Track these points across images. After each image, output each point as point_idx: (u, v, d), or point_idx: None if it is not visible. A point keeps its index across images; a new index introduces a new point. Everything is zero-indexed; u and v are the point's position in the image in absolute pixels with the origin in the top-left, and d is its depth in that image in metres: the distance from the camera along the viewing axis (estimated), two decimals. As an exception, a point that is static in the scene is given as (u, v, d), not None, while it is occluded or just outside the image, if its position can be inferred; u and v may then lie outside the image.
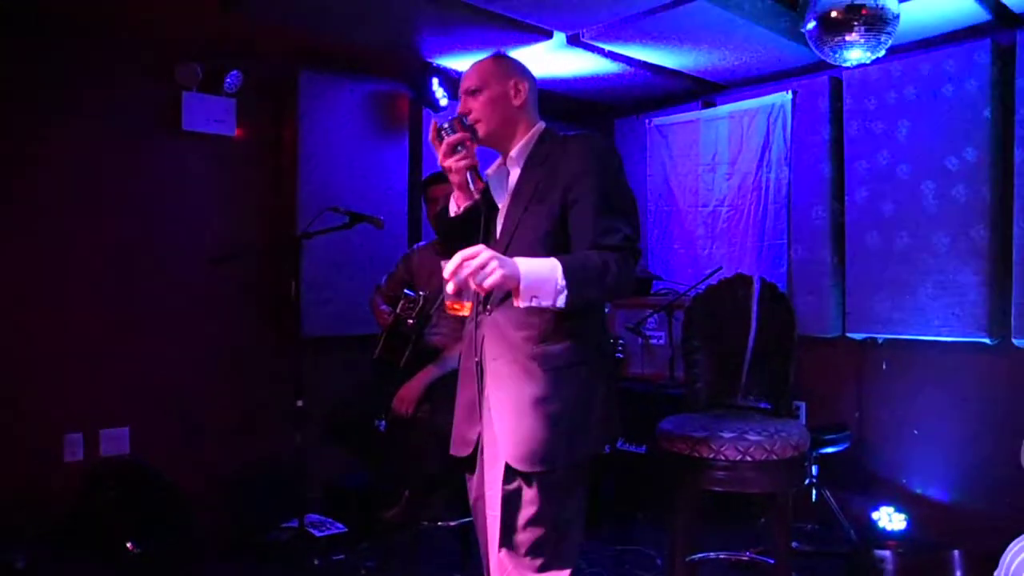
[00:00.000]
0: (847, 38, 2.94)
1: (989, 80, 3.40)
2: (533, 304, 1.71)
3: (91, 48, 3.40)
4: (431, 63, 3.93)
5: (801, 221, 4.01)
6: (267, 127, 3.93)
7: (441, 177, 3.38)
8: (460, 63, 3.93)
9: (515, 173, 2.04)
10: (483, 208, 2.03)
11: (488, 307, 1.96)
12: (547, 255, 1.77)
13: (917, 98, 3.61)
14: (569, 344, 1.89)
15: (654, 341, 4.16)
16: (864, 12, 2.86)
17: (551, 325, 1.88)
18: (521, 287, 1.68)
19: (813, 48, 3.11)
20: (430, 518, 3.21)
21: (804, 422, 4.10)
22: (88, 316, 3.41)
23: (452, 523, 3.18)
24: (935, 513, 3.68)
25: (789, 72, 4.04)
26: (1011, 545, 1.63)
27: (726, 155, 4.26)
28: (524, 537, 1.88)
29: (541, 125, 2.09)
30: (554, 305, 1.71)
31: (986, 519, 3.42)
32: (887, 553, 3.29)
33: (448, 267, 1.66)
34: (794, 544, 3.66)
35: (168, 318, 3.62)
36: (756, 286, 3.02)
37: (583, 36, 3.55)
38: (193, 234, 3.69)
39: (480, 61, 2.12)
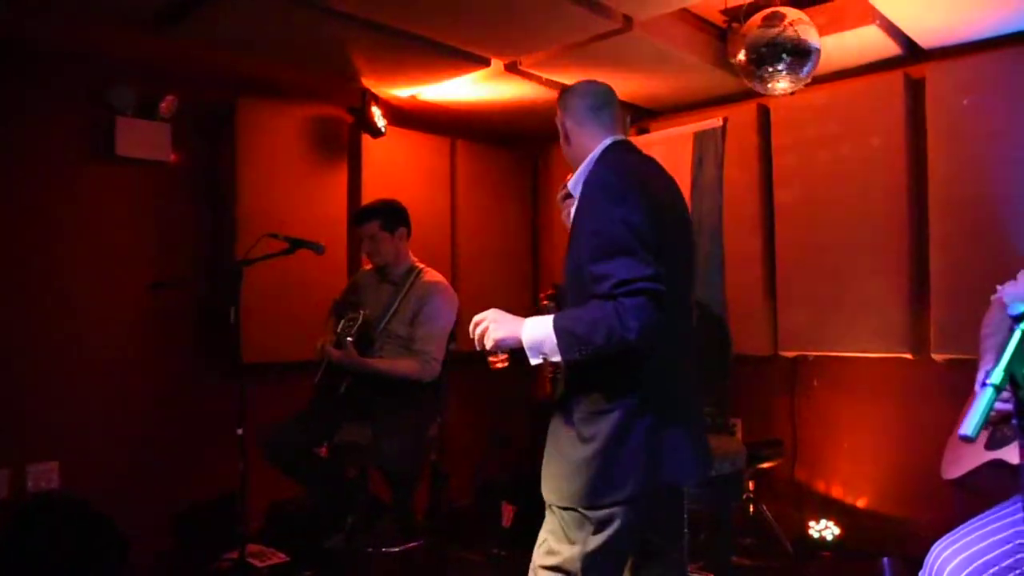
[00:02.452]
0: (773, 69, 3.08)
1: (904, 108, 3.59)
2: (545, 360, 1.80)
3: (19, 70, 3.33)
4: (370, 90, 3.95)
5: (733, 243, 4.13)
6: (204, 153, 3.89)
7: (357, 218, 3.41)
8: (400, 89, 3.97)
9: (572, 208, 2.00)
10: None
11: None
12: (579, 295, 1.82)
13: (840, 125, 3.79)
14: (595, 394, 1.83)
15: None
16: (788, 45, 3.00)
17: (580, 373, 1.86)
18: (525, 345, 1.80)
19: (742, 76, 3.25)
20: (374, 545, 3.19)
21: (740, 438, 4.21)
22: (14, 345, 3.30)
23: (395, 549, 3.17)
24: (866, 522, 3.82)
25: (720, 100, 4.19)
26: (932, 548, 1.72)
27: (661, 180, 4.38)
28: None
29: (605, 143, 1.99)
30: (561, 359, 1.78)
31: (913, 525, 3.57)
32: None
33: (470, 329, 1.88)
34: (733, 557, 3.75)
35: (101, 347, 3.53)
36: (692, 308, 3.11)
37: (520, 64, 3.63)
38: (128, 261, 3.62)
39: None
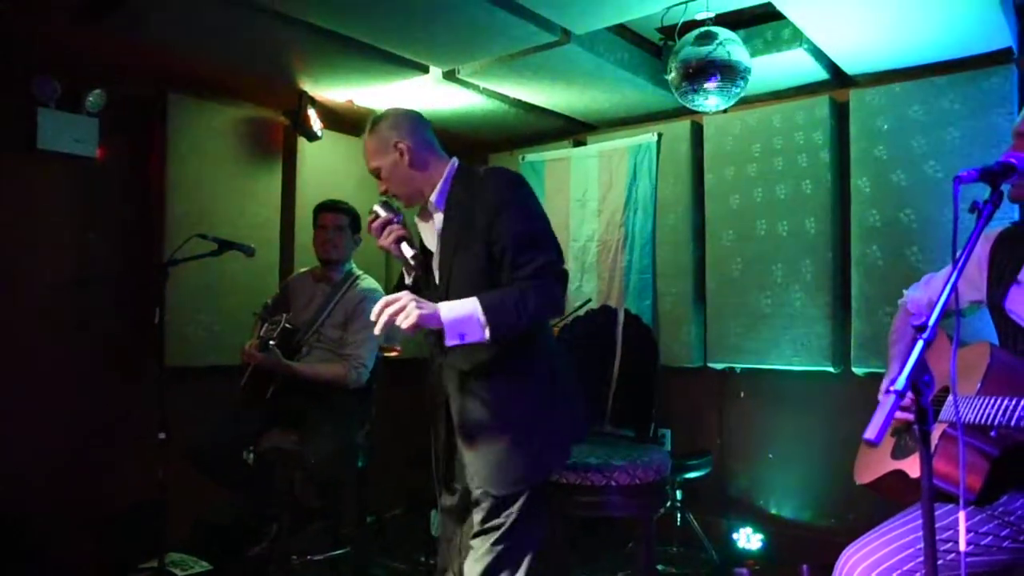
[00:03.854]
0: (704, 86, 3.16)
1: (829, 129, 3.72)
2: (463, 342, 1.88)
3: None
4: (307, 92, 3.90)
5: (666, 255, 4.22)
6: (133, 149, 3.78)
7: (330, 207, 3.38)
8: (337, 93, 3.94)
9: (439, 218, 2.17)
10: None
11: (444, 352, 2.06)
12: (479, 291, 1.94)
13: (769, 144, 3.90)
14: (515, 373, 2.05)
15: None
16: (718, 64, 3.09)
17: (496, 357, 2.02)
18: (445, 327, 1.86)
19: (675, 94, 3.32)
20: (299, 552, 3.13)
21: (670, 448, 4.28)
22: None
23: (319, 557, 3.12)
24: (789, 531, 3.91)
25: (655, 115, 4.28)
26: (841, 554, 1.77)
27: (596, 192, 4.44)
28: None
29: (453, 164, 2.23)
30: (483, 339, 1.88)
31: (833, 533, 3.67)
32: (744, 571, 3.47)
33: (373, 312, 1.85)
34: (659, 567, 3.80)
35: (19, 347, 3.38)
36: (620, 317, 3.15)
37: (458, 72, 3.63)
38: (48, 259, 3.49)
39: (364, 141, 2.26)
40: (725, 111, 3.90)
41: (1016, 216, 2.83)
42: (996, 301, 1.80)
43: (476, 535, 2.04)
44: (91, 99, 3.51)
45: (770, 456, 4.05)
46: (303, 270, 3.59)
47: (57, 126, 3.46)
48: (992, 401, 1.49)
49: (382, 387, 3.47)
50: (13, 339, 3.37)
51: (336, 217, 3.33)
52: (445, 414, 2.19)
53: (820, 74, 3.64)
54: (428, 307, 1.87)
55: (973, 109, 3.33)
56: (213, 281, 3.71)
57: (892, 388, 1.25)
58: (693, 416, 4.28)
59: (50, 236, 3.52)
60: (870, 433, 1.21)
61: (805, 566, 3.21)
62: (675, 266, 4.18)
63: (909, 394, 1.28)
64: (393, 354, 1.97)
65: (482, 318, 1.87)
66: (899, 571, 1.63)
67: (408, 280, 2.21)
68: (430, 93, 3.89)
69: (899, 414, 1.76)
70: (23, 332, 3.41)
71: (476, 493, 2.05)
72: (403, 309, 1.84)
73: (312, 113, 3.97)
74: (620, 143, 4.39)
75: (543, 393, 2.09)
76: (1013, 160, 1.58)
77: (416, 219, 2.27)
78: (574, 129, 4.58)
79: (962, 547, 1.34)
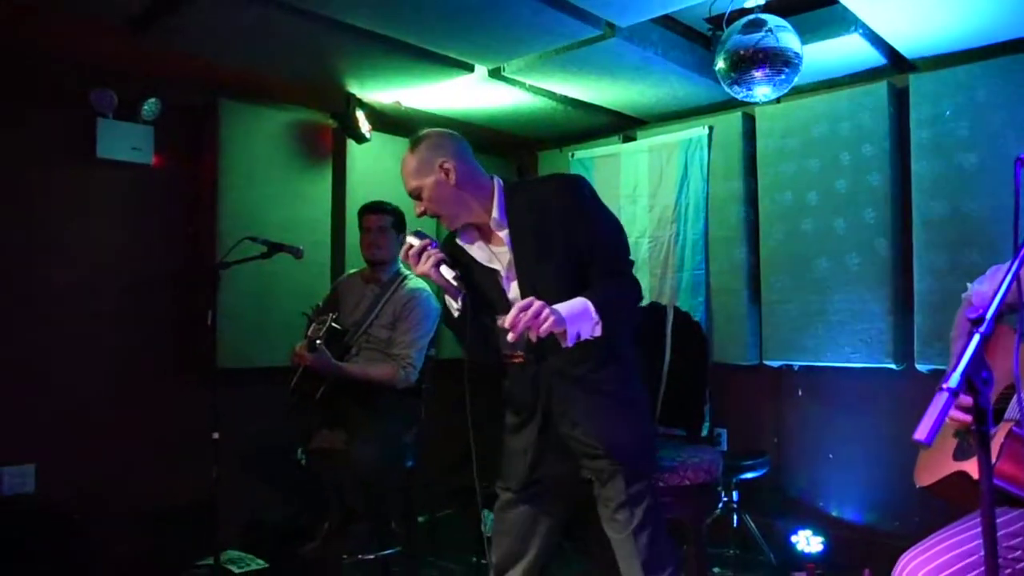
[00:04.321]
0: (754, 76, 3.07)
1: (888, 117, 3.58)
2: (579, 340, 1.94)
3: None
4: (354, 95, 3.94)
5: (718, 252, 4.12)
6: (186, 156, 3.87)
7: (373, 208, 3.40)
8: (384, 95, 3.96)
9: (504, 234, 2.15)
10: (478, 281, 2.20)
11: (542, 355, 2.12)
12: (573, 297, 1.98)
13: (825, 134, 3.78)
14: (620, 360, 2.17)
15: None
16: (769, 52, 2.99)
17: (603, 352, 2.09)
18: (568, 330, 1.90)
19: (723, 85, 3.24)
20: (349, 552, 3.15)
21: (725, 448, 4.18)
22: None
23: (370, 556, 3.13)
24: (851, 534, 3.78)
25: (706, 108, 4.17)
26: (900, 559, 1.69)
27: (646, 188, 4.37)
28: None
29: (498, 181, 2.21)
30: (592, 336, 1.96)
31: (897, 538, 3.52)
32: (803, 575, 3.37)
33: (507, 320, 1.85)
34: (715, 570, 3.72)
35: (78, 349, 3.50)
36: (670, 315, 3.09)
37: (504, 70, 3.61)
38: (108, 263, 3.60)
39: (403, 161, 2.20)
40: (778, 101, 3.80)
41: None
42: (1065, 293, 1.68)
43: (620, 507, 2.09)
44: (146, 108, 3.60)
45: (830, 456, 3.92)
46: (352, 271, 3.62)
47: (115, 135, 3.56)
48: (1059, 399, 1.40)
49: (436, 387, 3.47)
50: (71, 341, 3.49)
51: (379, 218, 3.34)
52: (540, 416, 2.20)
53: (877, 59, 3.50)
54: (556, 311, 1.89)
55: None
56: (264, 283, 3.77)
57: (945, 386, 1.17)
58: (750, 415, 4.18)
59: (109, 240, 3.62)
60: (920, 434, 1.14)
61: (867, 571, 3.09)
62: (729, 262, 4.08)
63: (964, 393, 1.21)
64: (517, 360, 1.97)
65: (595, 316, 1.94)
66: (960, 579, 1.55)
67: (456, 305, 2.17)
68: (476, 92, 3.88)
69: (958, 414, 1.67)
70: (81, 334, 3.52)
71: (608, 472, 2.11)
72: (539, 314, 1.85)
73: (360, 115, 4.00)
74: (670, 138, 4.30)
75: (641, 376, 2.26)
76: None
77: (460, 241, 2.24)
78: (623, 124, 4.51)
79: (1028, 555, 1.26)
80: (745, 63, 3.03)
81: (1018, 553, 1.51)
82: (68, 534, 3.22)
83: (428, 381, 3.37)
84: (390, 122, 4.31)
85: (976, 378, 1.20)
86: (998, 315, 1.87)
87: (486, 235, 2.21)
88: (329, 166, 4.24)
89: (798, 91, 3.69)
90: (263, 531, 3.72)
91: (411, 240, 2.15)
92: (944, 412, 1.15)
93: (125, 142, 3.62)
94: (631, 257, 2.21)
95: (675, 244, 4.25)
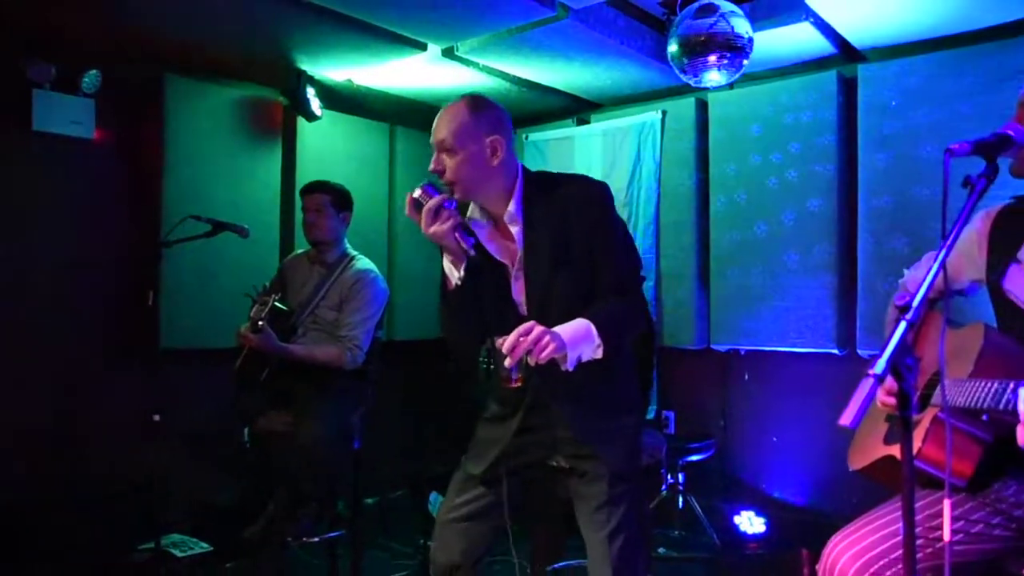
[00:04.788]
0: (706, 62, 3.08)
1: (836, 107, 3.63)
2: (578, 364, 1.86)
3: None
4: (305, 72, 3.86)
5: (668, 237, 4.15)
6: (130, 131, 3.75)
7: (310, 188, 3.35)
8: (336, 72, 3.89)
9: (516, 231, 2.01)
10: (483, 264, 2.01)
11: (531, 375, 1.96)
12: (581, 312, 1.90)
13: (775, 122, 3.81)
14: (613, 364, 2.03)
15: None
16: (719, 38, 3.01)
17: (601, 368, 1.96)
18: (568, 354, 1.82)
19: (675, 70, 3.25)
20: (295, 534, 3.12)
21: (673, 431, 4.23)
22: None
23: (316, 539, 3.11)
24: (792, 515, 3.87)
25: (660, 92, 4.19)
26: (829, 541, 1.73)
27: (599, 171, 4.37)
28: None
29: (519, 169, 2.03)
30: (592, 358, 1.88)
31: (835, 518, 3.60)
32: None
33: (506, 346, 1.75)
34: (660, 550, 3.77)
35: (14, 330, 3.38)
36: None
37: (457, 50, 3.58)
38: (44, 241, 3.48)
39: (453, 110, 1.96)
40: (731, 87, 3.82)
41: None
42: (994, 280, 1.73)
43: (599, 508, 2.03)
44: (86, 80, 3.48)
45: (774, 439, 4.00)
46: (299, 252, 3.57)
47: (53, 108, 3.43)
48: (983, 384, 1.43)
49: (383, 369, 3.45)
50: (8, 321, 3.37)
51: (314, 198, 3.29)
52: (524, 411, 2.09)
53: (827, 48, 3.55)
54: (556, 336, 1.80)
55: (987, 84, 3.22)
56: (210, 263, 3.69)
57: (871, 371, 1.19)
58: (697, 398, 4.24)
59: (46, 217, 3.51)
60: (845, 418, 1.16)
61: (805, 551, 3.15)
62: (678, 247, 4.12)
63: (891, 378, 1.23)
64: (517, 386, 1.84)
65: (597, 339, 1.87)
66: (885, 559, 1.58)
67: (459, 274, 1.98)
68: (429, 71, 3.84)
69: (887, 400, 1.71)
70: (18, 313, 3.40)
71: (592, 474, 2.05)
72: (539, 341, 1.75)
73: (311, 93, 3.93)
74: (623, 122, 4.32)
75: (633, 375, 2.21)
76: (1010, 132, 1.51)
77: (472, 225, 2.06)
78: (577, 107, 4.50)
79: (946, 536, 1.30)
80: (697, 48, 3.04)
81: (938, 533, 1.56)
82: (7, 519, 3.14)
83: (375, 363, 3.34)
84: (342, 100, 4.24)
85: (901, 364, 1.23)
86: (931, 302, 1.92)
87: (497, 224, 2.07)
88: (279, 144, 4.15)
89: (751, 78, 3.72)
90: (207, 514, 3.67)
91: (420, 195, 1.92)
92: (869, 397, 1.17)
93: (63, 115, 3.49)
94: (643, 273, 2.21)
95: (629, 230, 4.26)
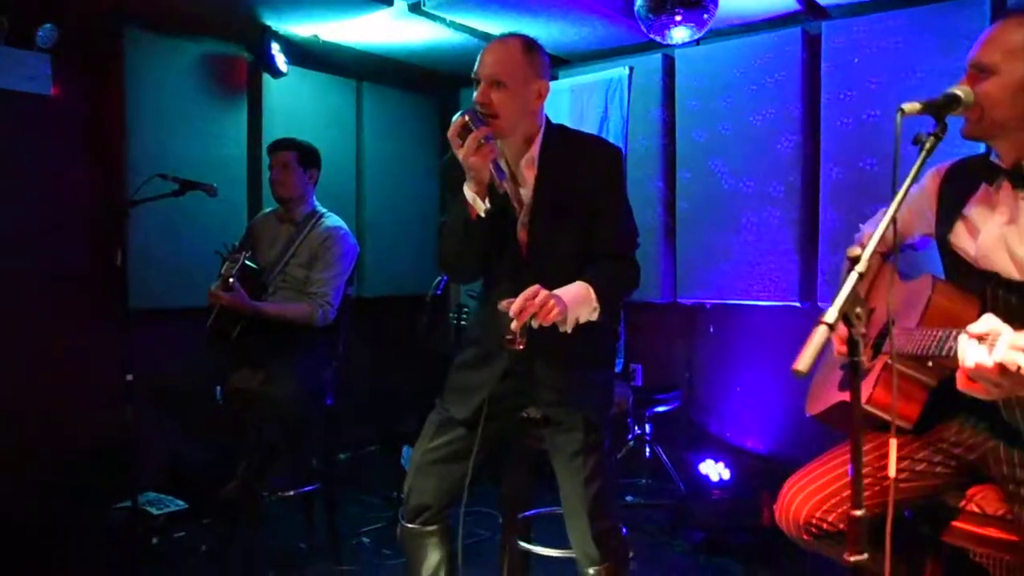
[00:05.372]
0: (671, 17, 3.10)
1: (801, 63, 3.67)
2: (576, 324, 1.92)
3: None
4: (270, 27, 3.81)
5: (635, 192, 4.17)
6: (89, 87, 3.68)
7: (276, 145, 3.32)
8: (301, 28, 3.85)
9: (530, 177, 2.06)
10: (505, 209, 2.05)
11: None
12: (578, 266, 1.97)
13: (741, 77, 3.85)
14: (599, 334, 2.13)
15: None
16: (686, -7, 3.03)
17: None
18: (568, 317, 1.88)
19: (642, 26, 3.26)
20: (270, 490, 3.17)
21: (640, 383, 4.34)
22: None
23: (291, 493, 3.17)
24: (754, 462, 4.00)
25: (627, 49, 4.21)
26: (786, 482, 1.82)
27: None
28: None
29: (545, 119, 2.09)
30: (588, 319, 1.95)
31: (796, 464, 3.73)
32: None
33: (513, 309, 1.81)
34: (628, 498, 3.89)
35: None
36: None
37: (424, 5, 3.55)
38: (6, 202, 3.43)
39: (508, 47, 2.00)
40: (697, 43, 3.85)
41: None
42: (942, 235, 1.80)
43: (575, 455, 2.09)
44: (41, 34, 3.39)
45: (738, 390, 4.12)
46: (268, 211, 3.55)
47: (6, 63, 3.35)
48: (928, 333, 1.51)
49: (355, 326, 3.48)
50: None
51: (281, 155, 3.27)
52: (506, 358, 2.13)
53: (792, 5, 3.58)
54: (560, 300, 1.86)
55: (947, 44, 3.27)
56: (178, 222, 3.67)
57: (823, 320, 1.26)
58: (663, 351, 4.34)
59: (5, 177, 3.45)
60: (798, 363, 1.22)
61: (766, 493, 3.29)
62: (645, 201, 4.16)
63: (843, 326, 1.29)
64: (520, 347, 1.89)
65: (596, 303, 1.94)
66: (836, 498, 1.68)
67: (484, 206, 1.98)
68: (396, 26, 3.81)
69: (841, 347, 1.79)
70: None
71: (568, 422, 2.10)
72: (544, 305, 1.81)
73: (276, 48, 3.88)
74: (591, 77, 4.32)
75: (610, 327, 2.31)
76: (959, 92, 1.56)
77: (494, 170, 2.05)
78: (545, 64, 4.49)
79: (891, 473, 1.38)
80: (663, 5, 3.05)
81: (885, 472, 1.64)
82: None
83: (347, 320, 3.37)
84: (308, 56, 4.20)
85: (851, 313, 1.29)
86: (884, 255, 1.99)
87: (513, 171, 2.12)
88: (244, 102, 4.11)
89: (717, 34, 3.75)
90: (183, 472, 3.71)
91: (470, 119, 1.91)
92: (821, 344, 1.24)
93: (18, 70, 3.41)
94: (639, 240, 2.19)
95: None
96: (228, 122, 4.03)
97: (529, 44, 2.04)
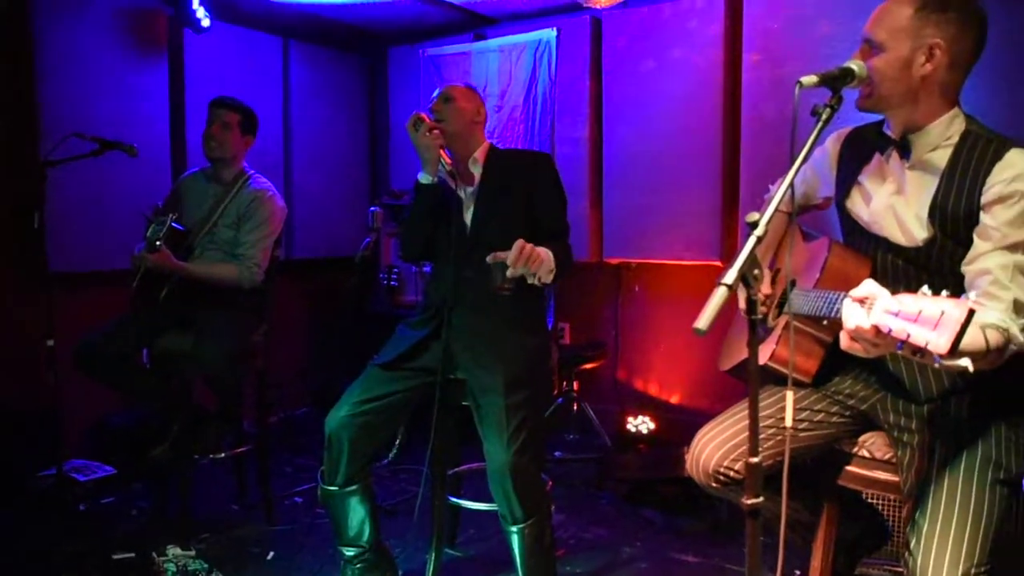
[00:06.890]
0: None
1: (722, 22, 3.75)
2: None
3: None
4: (189, -20, 3.70)
5: (564, 152, 4.26)
6: (-1, 43, 3.53)
7: (221, 102, 3.25)
8: (222, -19, 3.74)
9: (476, 174, 2.53)
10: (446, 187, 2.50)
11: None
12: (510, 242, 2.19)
13: (666, 40, 3.92)
14: (529, 301, 2.50)
15: (427, 269, 4.29)
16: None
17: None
18: (542, 269, 2.20)
19: (568, -11, 3.29)
20: (202, 452, 3.17)
21: (568, 341, 4.45)
22: None
23: (222, 455, 3.18)
24: (676, 416, 4.17)
25: (555, 10, 4.24)
26: (697, 433, 1.93)
27: (496, 88, 4.41)
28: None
29: (487, 142, 2.58)
30: (543, 282, 2.24)
31: (713, 416, 3.92)
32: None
33: (511, 256, 2.12)
34: (556, 453, 4.03)
35: None
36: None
37: (348, -39, 3.50)
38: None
39: (462, 89, 2.58)
40: (625, 5, 3.90)
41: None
42: (840, 200, 1.92)
43: (498, 414, 2.25)
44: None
45: (662, 347, 4.27)
46: (195, 171, 3.48)
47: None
48: (823, 294, 1.62)
49: (284, 287, 3.47)
50: None
51: (223, 113, 3.21)
52: (446, 315, 2.43)
53: (714, -32, 3.64)
54: (545, 253, 2.21)
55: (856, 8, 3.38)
56: (98, 183, 3.58)
57: (721, 281, 1.34)
58: (591, 310, 4.45)
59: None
60: (698, 322, 1.31)
61: (685, 447, 3.44)
62: (573, 161, 4.23)
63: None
64: (506, 291, 2.20)
65: (552, 265, 2.24)
66: (742, 448, 1.79)
67: (431, 178, 2.46)
68: (321, -18, 3.74)
69: (744, 306, 1.90)
70: None
71: (489, 383, 2.30)
72: (538, 257, 2.16)
73: (196, 2, 3.77)
74: (520, 38, 4.34)
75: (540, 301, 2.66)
76: (854, 66, 1.65)
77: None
78: (474, 23, 4.49)
79: (788, 423, 1.49)
80: (588, -33, 3.08)
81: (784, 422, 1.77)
82: None
83: (276, 281, 3.36)
84: (231, 11, 4.09)
85: (749, 274, 1.38)
86: (790, 216, 2.10)
87: (463, 177, 2.53)
88: (165, 58, 3.99)
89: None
90: (111, 437, 3.67)
91: (424, 116, 2.43)
92: (720, 304, 1.33)
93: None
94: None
95: (523, 145, 4.35)
96: (149, 80, 3.91)
97: (474, 90, 2.63)
